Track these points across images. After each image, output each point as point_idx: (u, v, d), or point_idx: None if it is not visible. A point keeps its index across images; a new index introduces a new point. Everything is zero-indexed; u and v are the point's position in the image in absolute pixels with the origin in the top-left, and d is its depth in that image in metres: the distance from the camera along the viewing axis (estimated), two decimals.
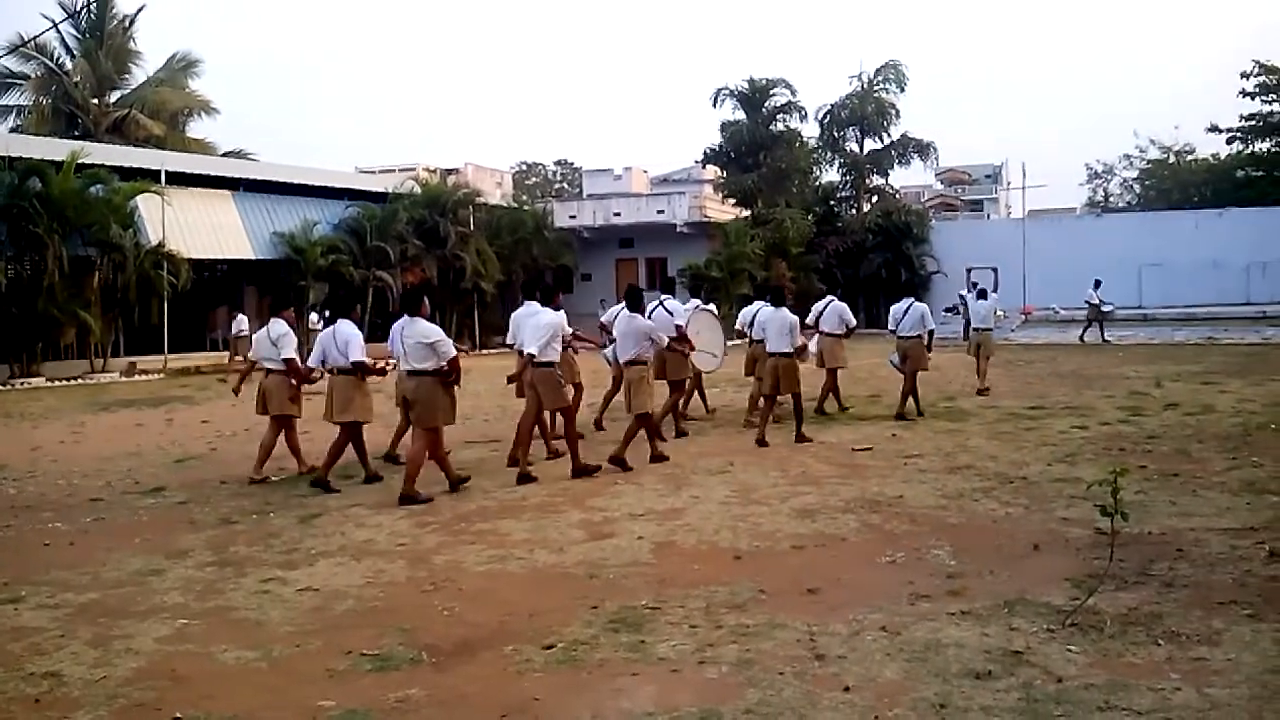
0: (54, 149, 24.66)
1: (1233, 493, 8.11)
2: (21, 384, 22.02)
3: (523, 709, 4.36)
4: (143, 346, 25.88)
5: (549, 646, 5.03)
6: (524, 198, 41.82)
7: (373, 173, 37.45)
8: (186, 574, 6.66)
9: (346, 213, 30.71)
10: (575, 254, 36.79)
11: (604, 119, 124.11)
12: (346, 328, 9.59)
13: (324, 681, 4.73)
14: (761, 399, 12.01)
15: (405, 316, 9.05)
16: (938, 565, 6.31)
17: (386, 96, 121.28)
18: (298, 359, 10.15)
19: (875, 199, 40.74)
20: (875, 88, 39.02)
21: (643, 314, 10.61)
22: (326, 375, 9.73)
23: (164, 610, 5.87)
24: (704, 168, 43.05)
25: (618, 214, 38.07)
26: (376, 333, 9.62)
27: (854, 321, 14.27)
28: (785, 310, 11.54)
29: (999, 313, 18.10)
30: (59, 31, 35.55)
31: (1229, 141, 44.97)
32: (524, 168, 68.79)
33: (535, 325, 9.80)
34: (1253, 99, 41.92)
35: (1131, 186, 62.16)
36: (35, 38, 34.12)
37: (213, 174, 28.73)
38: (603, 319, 12.92)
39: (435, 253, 31.18)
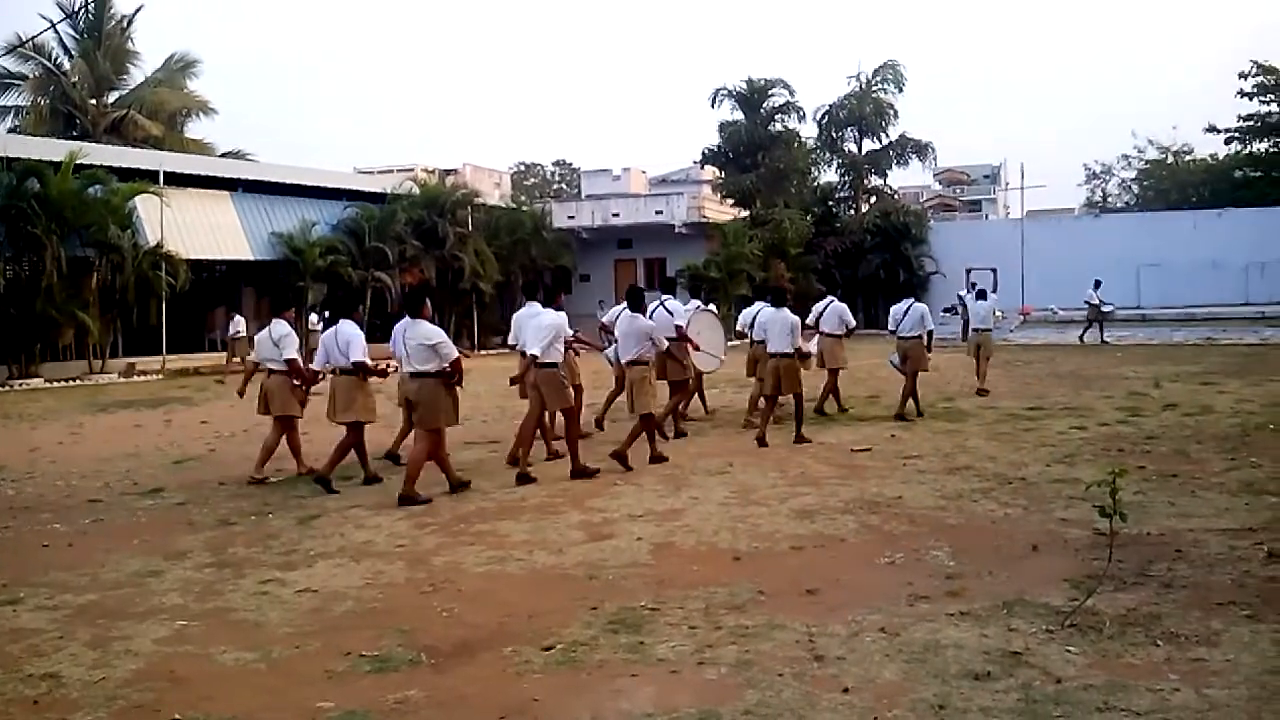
0: (52, 149, 24.64)
1: (1231, 493, 8.12)
2: (20, 385, 22.01)
3: (522, 710, 4.36)
4: (141, 347, 25.87)
5: (548, 648, 5.03)
6: (522, 198, 41.81)
7: (371, 173, 37.41)
8: (185, 575, 6.66)
9: (345, 213, 30.70)
10: (574, 255, 36.79)
11: (602, 119, 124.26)
12: (348, 328, 9.59)
13: (323, 683, 4.72)
14: (762, 400, 12.02)
15: (407, 318, 9.05)
16: (937, 566, 6.31)
17: (385, 97, 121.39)
18: (300, 359, 10.15)
19: (874, 199, 40.76)
20: (873, 88, 39.06)
21: (644, 314, 10.63)
22: (329, 376, 9.75)
23: (163, 611, 5.87)
24: (702, 168, 43.08)
25: (616, 214, 38.07)
26: (375, 333, 9.61)
27: (854, 322, 14.29)
28: (787, 311, 11.54)
29: (998, 313, 18.11)
30: (57, 32, 35.57)
31: (1227, 142, 45.09)
32: (522, 168, 68.81)
33: (537, 326, 9.80)
34: (1251, 99, 42.01)
35: (1130, 187, 62.19)
36: (33, 38, 34.15)
37: (211, 174, 28.71)
38: (604, 319, 12.94)
39: (434, 253, 31.18)
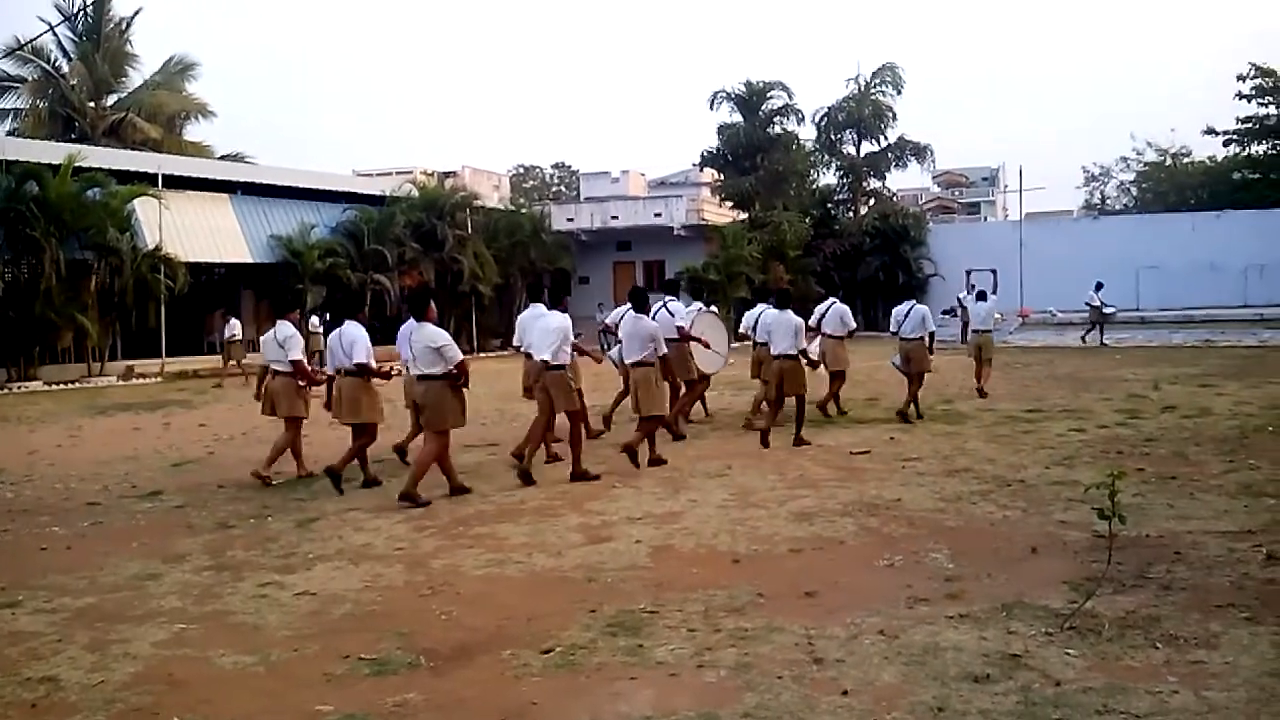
0: (51, 152, 24.63)
1: (1230, 495, 8.12)
2: (18, 388, 22.01)
3: (520, 713, 4.36)
4: (140, 350, 25.86)
5: (547, 650, 5.03)
6: (521, 200, 41.73)
7: (370, 175, 37.40)
8: (184, 578, 6.66)
9: (344, 216, 30.68)
10: (573, 257, 36.78)
11: (601, 122, 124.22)
12: (353, 329, 9.65)
13: (321, 686, 4.72)
14: (763, 403, 12.04)
15: (412, 320, 9.09)
16: (936, 568, 6.31)
17: (384, 99, 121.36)
18: (305, 360, 10.20)
19: (872, 202, 40.76)
20: (872, 90, 39.08)
21: (648, 315, 10.66)
22: (334, 377, 9.79)
23: (161, 615, 5.87)
24: (701, 170, 43.08)
25: (615, 217, 38.08)
26: (375, 336, 9.65)
27: (855, 324, 14.30)
28: (790, 313, 11.55)
29: (997, 315, 18.11)
30: (56, 35, 35.58)
31: (1226, 144, 45.06)
32: (521, 170, 68.75)
33: (544, 329, 9.82)
34: (1249, 102, 42.02)
35: (1128, 189, 62.18)
36: (32, 41, 34.17)
37: (210, 177, 28.68)
38: (607, 321, 12.99)
39: (433, 255, 31.16)
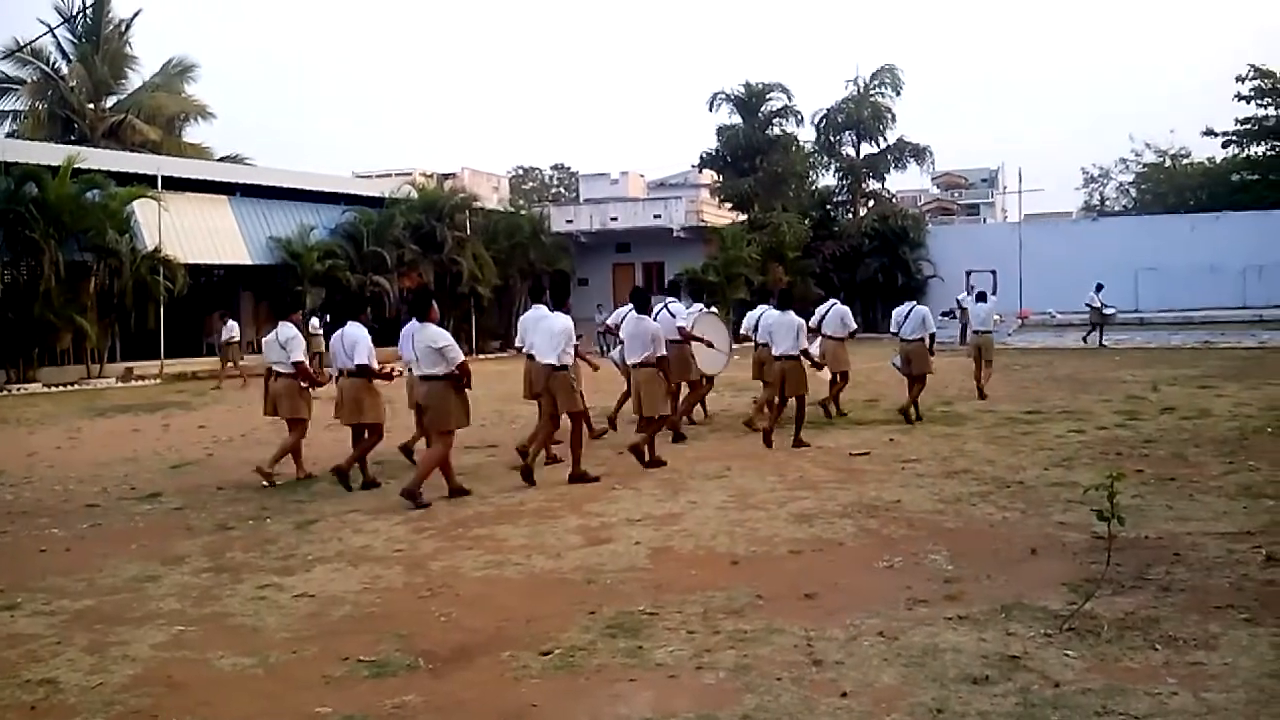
0: (50, 154, 24.62)
1: (1229, 497, 8.12)
2: (17, 389, 21.99)
3: (520, 715, 4.36)
4: (139, 352, 25.84)
5: (546, 652, 5.02)
6: (521, 202, 41.71)
7: (369, 177, 37.39)
8: (183, 580, 6.66)
9: (343, 217, 30.67)
10: (572, 258, 36.77)
11: (600, 123, 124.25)
12: (355, 330, 9.70)
13: (320, 688, 4.72)
14: (766, 404, 12.07)
15: (415, 321, 9.12)
16: (935, 570, 6.31)
17: (383, 101, 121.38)
18: (307, 361, 10.23)
19: (871, 203, 40.78)
20: (871, 92, 39.13)
21: (651, 316, 10.70)
22: (336, 377, 9.84)
23: (160, 616, 5.86)
24: (700, 172, 43.10)
25: (614, 218, 38.09)
26: (374, 337, 9.70)
27: (855, 325, 14.32)
28: (791, 313, 11.57)
29: (996, 317, 18.14)
30: (55, 36, 35.59)
31: (1225, 145, 45.08)
32: (521, 172, 68.73)
33: (547, 331, 9.83)
34: (1248, 103, 42.04)
35: (1127, 190, 62.21)
36: (31, 42, 34.17)
37: (209, 179, 28.67)
38: (609, 322, 13.03)
39: (432, 257, 31.15)
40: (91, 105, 36.60)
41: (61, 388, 22.59)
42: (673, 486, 9.21)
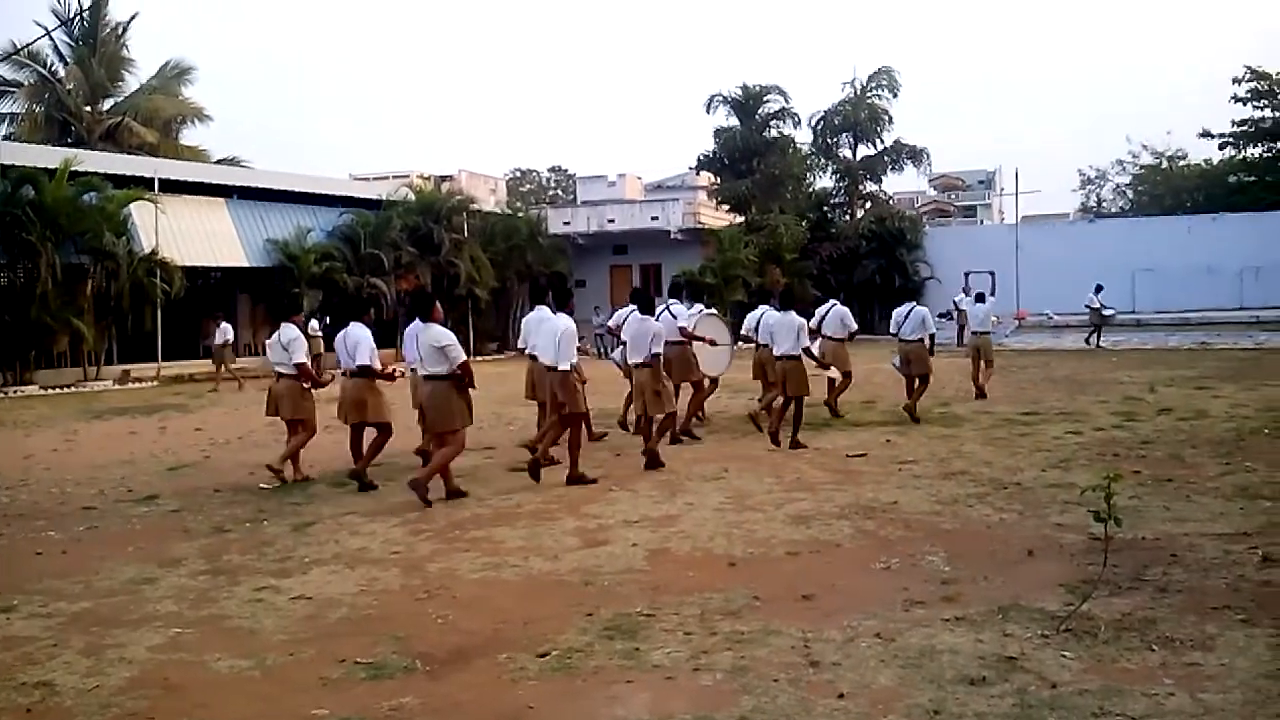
0: (47, 156, 24.61)
1: (1226, 498, 8.13)
2: (14, 392, 21.96)
3: (517, 717, 4.35)
4: (136, 354, 25.82)
5: (543, 654, 5.02)
6: (518, 204, 41.73)
7: (367, 179, 37.40)
8: (180, 582, 6.65)
9: (340, 220, 30.65)
10: (569, 260, 36.79)
11: (598, 126, 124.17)
12: (358, 331, 9.77)
13: (317, 690, 4.71)
14: (773, 403, 12.15)
15: (418, 321, 9.17)
16: (932, 571, 6.31)
17: (380, 103, 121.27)
18: (309, 363, 10.27)
19: (869, 205, 40.82)
20: (868, 94, 39.17)
21: (654, 316, 10.76)
22: (338, 377, 9.89)
23: (157, 619, 5.85)
24: (698, 174, 43.15)
25: (611, 220, 38.10)
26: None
27: (855, 326, 14.36)
28: (793, 313, 11.61)
29: (994, 318, 18.16)
30: (52, 39, 35.59)
31: (1221, 147, 45.11)
32: (518, 174, 68.67)
33: (550, 332, 9.89)
34: (1245, 105, 42.09)
35: (1124, 192, 62.24)
36: (28, 45, 34.10)
37: (206, 181, 28.66)
38: (610, 323, 13.08)
39: (429, 259, 31.15)
40: (88, 108, 36.59)
41: (58, 390, 22.57)
42: (670, 488, 9.22)
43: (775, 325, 11.75)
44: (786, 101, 38.41)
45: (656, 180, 50.35)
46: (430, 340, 8.85)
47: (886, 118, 39.11)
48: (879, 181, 40.95)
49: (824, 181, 41.41)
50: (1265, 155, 43.33)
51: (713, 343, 12.30)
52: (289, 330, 10.29)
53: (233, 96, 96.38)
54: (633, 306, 11.53)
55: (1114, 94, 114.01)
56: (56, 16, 35.26)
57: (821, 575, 6.30)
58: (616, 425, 12.64)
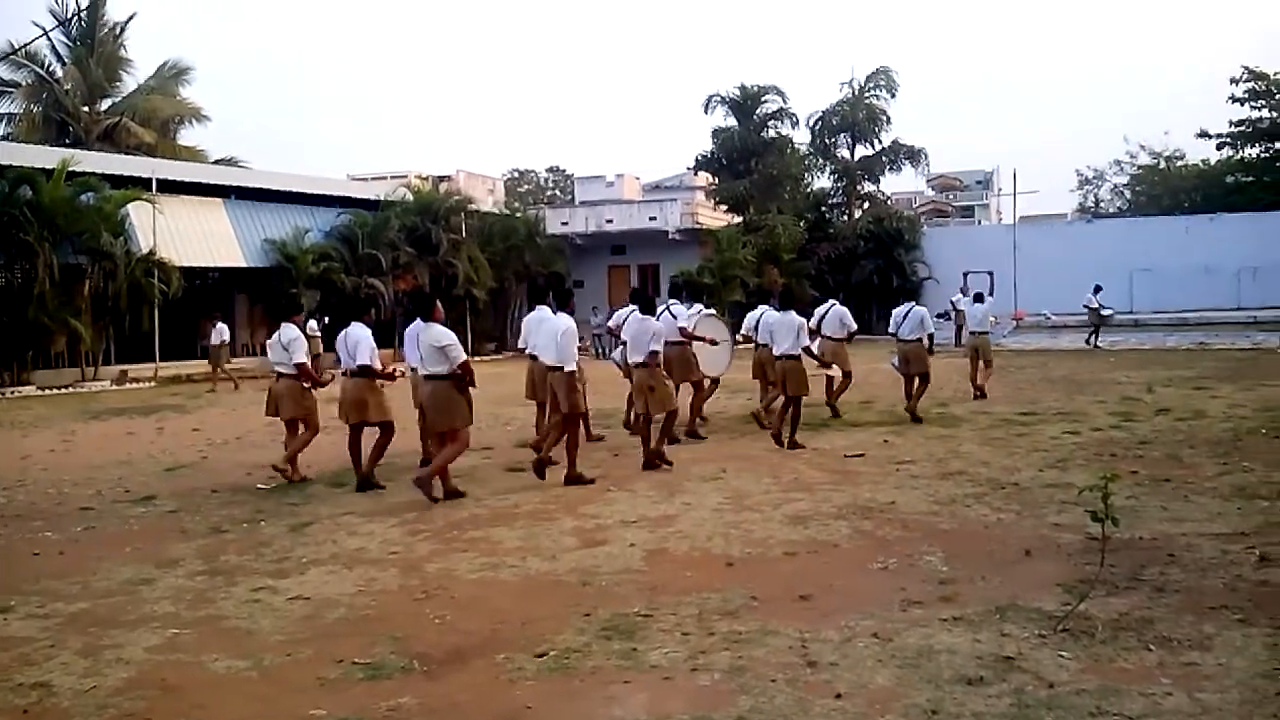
0: (44, 157, 24.61)
1: (1224, 498, 8.13)
2: (11, 392, 21.95)
3: (514, 717, 4.35)
4: (134, 355, 25.81)
5: (541, 654, 5.02)
6: (516, 205, 41.78)
7: (364, 180, 37.42)
8: (177, 583, 6.64)
9: (338, 220, 30.66)
10: (567, 261, 36.80)
11: (596, 126, 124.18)
12: (358, 330, 9.80)
13: (315, 690, 4.71)
14: (774, 403, 12.19)
15: (419, 320, 9.19)
16: (930, 571, 6.31)
17: (379, 103, 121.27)
18: (309, 363, 10.30)
19: (867, 205, 40.89)
20: (866, 94, 39.21)
21: (655, 316, 10.78)
22: (339, 377, 9.91)
23: (154, 619, 5.85)
24: (696, 174, 43.19)
25: (610, 220, 38.10)
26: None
27: (855, 326, 14.38)
28: (792, 313, 11.64)
29: (992, 318, 18.20)
30: (50, 39, 35.51)
31: (1219, 147, 45.19)
32: (516, 175, 68.67)
33: (550, 332, 9.91)
34: (1242, 105, 42.16)
35: (1122, 192, 62.34)
36: (25, 45, 34.07)
37: (204, 182, 28.69)
38: (610, 324, 13.10)
39: (427, 260, 31.16)
40: (86, 108, 36.56)
41: (56, 391, 22.56)
42: (668, 488, 9.21)
43: (775, 325, 11.78)
44: (784, 102, 38.50)
45: (654, 180, 50.40)
46: (431, 340, 8.87)
47: (884, 118, 39.17)
48: (877, 182, 41.03)
49: (822, 182, 41.51)
50: (1263, 155, 43.40)
51: (713, 342, 12.33)
52: (289, 330, 10.31)
53: (231, 97, 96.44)
54: (632, 307, 11.56)
55: (1112, 94, 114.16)
56: (54, 16, 35.24)
57: (819, 575, 6.30)
58: (621, 428, 12.64)
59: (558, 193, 66.00)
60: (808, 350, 11.61)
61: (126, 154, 31.24)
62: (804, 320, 11.75)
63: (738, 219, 37.82)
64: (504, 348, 33.41)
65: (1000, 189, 58.90)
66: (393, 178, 36.05)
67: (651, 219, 37.74)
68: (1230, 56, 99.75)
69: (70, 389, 22.98)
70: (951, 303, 28.83)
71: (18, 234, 22.32)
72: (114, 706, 4.58)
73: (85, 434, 15.09)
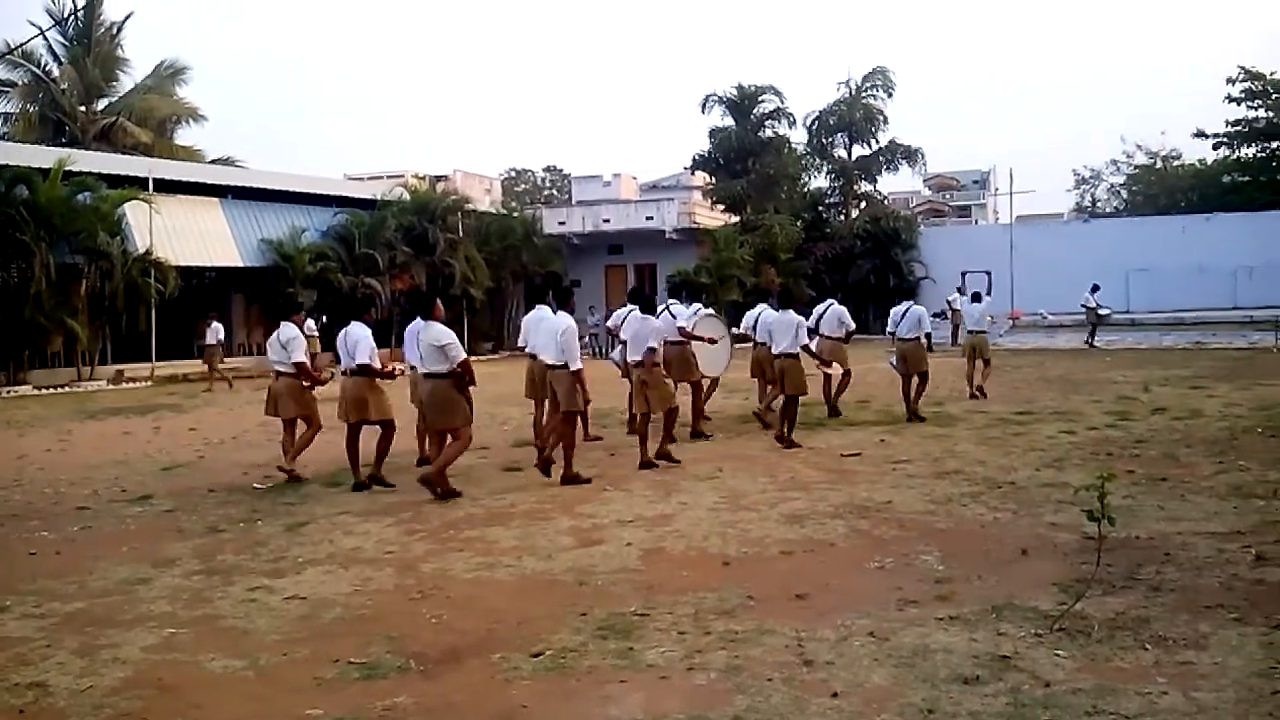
0: (41, 156, 24.59)
1: (1220, 497, 8.14)
2: (8, 392, 21.93)
3: (510, 717, 4.35)
4: (130, 354, 25.78)
5: (537, 654, 5.02)
6: (513, 204, 41.79)
7: (361, 179, 37.38)
8: (174, 582, 6.64)
9: (335, 220, 30.66)
10: (564, 260, 36.82)
11: (593, 125, 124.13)
12: (358, 330, 9.81)
13: (311, 690, 4.71)
14: (774, 401, 12.23)
15: (419, 319, 9.20)
16: (926, 570, 6.32)
17: (376, 103, 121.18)
18: (308, 362, 10.31)
19: (863, 205, 40.94)
20: (863, 94, 39.23)
21: (655, 316, 10.80)
22: (339, 376, 9.92)
23: (151, 619, 5.84)
24: (693, 174, 43.19)
25: (607, 220, 38.11)
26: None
27: (853, 325, 14.42)
28: (791, 312, 11.67)
29: (989, 317, 18.22)
30: (46, 39, 35.45)
31: (1215, 147, 45.26)
32: (513, 174, 68.63)
33: (550, 331, 9.92)
34: (1238, 105, 42.22)
35: (1118, 192, 62.37)
36: (22, 45, 34.04)
37: (200, 181, 28.66)
38: (609, 324, 13.13)
39: (424, 259, 31.15)
40: (83, 108, 36.50)
41: (52, 390, 22.53)
42: (664, 488, 9.21)
43: (774, 324, 11.82)
44: (781, 101, 38.52)
45: (652, 180, 50.37)
46: (431, 339, 8.91)
47: (881, 118, 39.20)
48: (874, 181, 41.07)
49: (819, 181, 41.55)
50: (1259, 155, 43.49)
51: (712, 342, 12.35)
52: (288, 329, 10.35)
53: (227, 96, 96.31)
54: (631, 306, 11.58)
55: (1108, 94, 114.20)
56: (51, 16, 35.14)
57: (815, 574, 6.31)
58: (621, 427, 12.64)
59: (555, 192, 66.00)
60: (807, 349, 11.63)
61: (123, 153, 31.18)
62: (802, 319, 11.77)
63: (735, 219, 37.85)
64: (501, 347, 33.40)
65: (997, 189, 58.91)
66: (389, 177, 36.02)
67: (648, 219, 37.75)
68: (1229, 57, 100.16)
69: (66, 388, 22.96)
70: (948, 302, 28.87)
71: (14, 233, 22.30)
72: (110, 706, 4.58)
73: (82, 433, 15.07)
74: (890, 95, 39.33)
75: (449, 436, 9.23)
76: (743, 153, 37.90)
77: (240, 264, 28.42)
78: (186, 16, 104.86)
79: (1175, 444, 10.77)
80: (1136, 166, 58.15)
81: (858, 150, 39.83)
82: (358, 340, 9.65)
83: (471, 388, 9.10)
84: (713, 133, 38.67)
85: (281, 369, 10.27)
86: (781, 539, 7.21)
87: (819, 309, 14.34)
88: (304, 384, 10.28)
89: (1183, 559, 6.33)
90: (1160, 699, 4.22)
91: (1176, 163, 54.68)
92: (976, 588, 5.88)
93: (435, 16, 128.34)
